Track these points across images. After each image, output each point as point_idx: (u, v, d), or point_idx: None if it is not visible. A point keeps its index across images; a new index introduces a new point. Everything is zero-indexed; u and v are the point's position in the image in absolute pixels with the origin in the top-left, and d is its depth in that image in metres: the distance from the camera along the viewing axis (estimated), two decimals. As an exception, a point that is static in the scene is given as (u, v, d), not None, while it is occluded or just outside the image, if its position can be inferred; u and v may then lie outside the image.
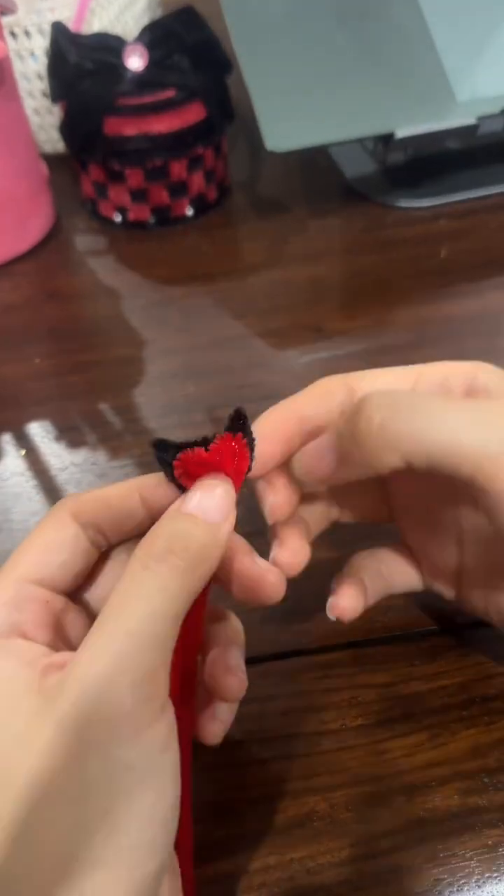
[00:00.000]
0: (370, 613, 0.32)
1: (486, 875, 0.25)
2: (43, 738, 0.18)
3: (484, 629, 0.29)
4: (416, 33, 0.55)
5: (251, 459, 0.23)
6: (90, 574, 0.24)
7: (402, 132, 0.53)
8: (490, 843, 0.26)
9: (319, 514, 0.29)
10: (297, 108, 0.53)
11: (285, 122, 0.52)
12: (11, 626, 0.21)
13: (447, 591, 0.29)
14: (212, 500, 0.21)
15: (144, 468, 0.40)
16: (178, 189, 0.56)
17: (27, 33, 0.59)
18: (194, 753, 0.23)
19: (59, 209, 0.60)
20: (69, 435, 0.43)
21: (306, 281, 0.53)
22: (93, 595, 0.24)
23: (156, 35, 0.54)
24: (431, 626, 0.32)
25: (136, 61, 0.52)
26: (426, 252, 0.54)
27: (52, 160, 0.62)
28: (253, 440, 0.23)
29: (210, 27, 0.55)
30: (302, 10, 0.54)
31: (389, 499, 0.30)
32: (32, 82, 0.62)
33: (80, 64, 0.53)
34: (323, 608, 0.29)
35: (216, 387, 0.44)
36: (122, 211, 0.58)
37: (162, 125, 0.53)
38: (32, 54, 0.60)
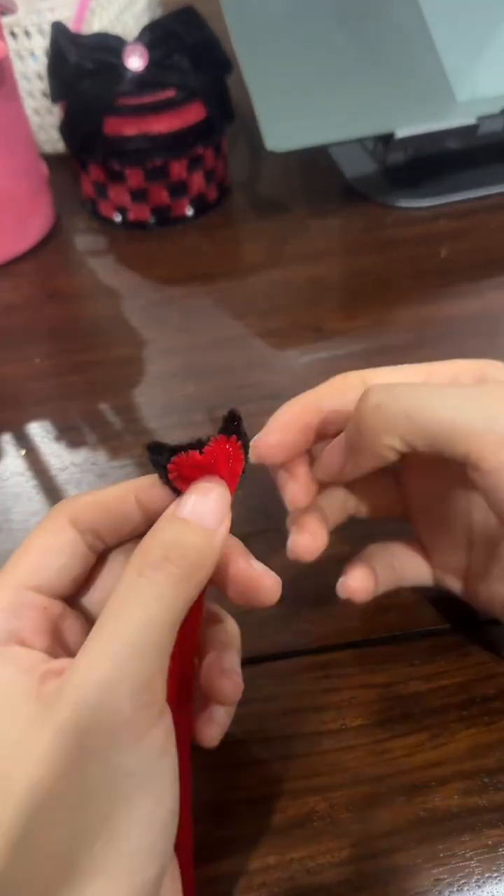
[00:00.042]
0: (370, 613, 0.32)
1: (486, 875, 0.25)
2: (42, 744, 0.18)
3: (484, 629, 0.29)
4: (416, 33, 0.55)
5: (246, 462, 0.23)
6: (87, 577, 0.24)
7: (402, 132, 0.53)
8: (490, 843, 0.26)
9: (337, 507, 0.30)
10: (297, 108, 0.53)
11: (285, 122, 0.52)
12: (9, 634, 0.21)
13: (455, 587, 0.30)
14: (207, 504, 0.21)
15: (144, 468, 0.40)
16: (178, 189, 0.56)
17: (27, 33, 0.59)
18: (193, 755, 0.23)
19: (59, 209, 0.60)
20: (69, 435, 0.43)
21: (306, 281, 0.53)
22: (90, 599, 0.24)
23: (156, 35, 0.54)
24: (431, 626, 0.32)
25: (136, 61, 0.53)
26: (426, 252, 0.54)
27: (52, 160, 0.62)
28: (247, 442, 0.23)
29: (210, 27, 0.55)
30: (302, 10, 0.54)
31: (403, 495, 0.30)
32: (32, 82, 0.62)
33: (80, 64, 0.53)
34: (324, 609, 0.29)
35: (216, 387, 0.44)
36: (122, 211, 0.58)
37: (162, 125, 0.53)
38: (32, 54, 0.60)
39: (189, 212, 0.58)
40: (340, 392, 0.27)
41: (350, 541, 0.32)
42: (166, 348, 0.48)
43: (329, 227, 0.58)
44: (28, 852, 0.17)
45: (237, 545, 0.24)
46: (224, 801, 0.27)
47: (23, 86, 0.60)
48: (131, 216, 0.58)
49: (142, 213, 0.57)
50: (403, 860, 0.25)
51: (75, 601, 0.24)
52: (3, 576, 0.22)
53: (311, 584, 0.32)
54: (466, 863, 0.25)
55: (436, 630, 0.32)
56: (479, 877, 0.25)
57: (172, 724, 0.20)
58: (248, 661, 0.26)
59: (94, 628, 0.19)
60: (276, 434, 0.26)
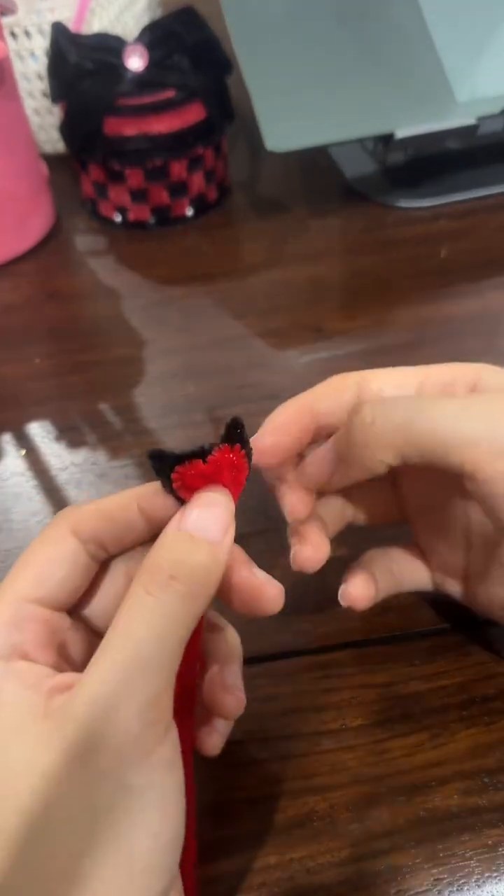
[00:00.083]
0: (370, 614, 0.32)
1: (486, 875, 0.25)
2: (48, 760, 0.18)
3: (484, 629, 0.29)
4: (416, 33, 0.55)
5: (249, 470, 0.23)
6: (88, 587, 0.24)
7: (402, 132, 0.53)
8: (490, 843, 0.26)
9: (335, 515, 0.29)
10: (297, 108, 0.53)
11: (285, 122, 0.52)
12: (12, 648, 0.21)
13: (455, 590, 0.30)
14: (211, 516, 0.21)
15: (144, 468, 0.40)
16: (178, 189, 0.56)
17: (27, 33, 0.59)
18: (193, 756, 0.23)
19: (59, 209, 0.60)
20: (69, 435, 0.43)
21: (306, 281, 0.53)
22: (92, 609, 0.24)
23: (156, 35, 0.54)
24: (431, 626, 0.32)
25: (136, 61, 0.53)
26: (426, 252, 0.54)
27: (52, 160, 0.62)
28: (250, 450, 0.23)
29: (210, 27, 0.55)
30: (302, 10, 0.54)
31: (401, 499, 0.30)
32: (32, 82, 0.62)
33: (80, 64, 0.53)
34: (324, 608, 0.29)
35: (216, 387, 0.44)
36: (122, 211, 0.58)
37: (162, 125, 0.53)
38: (32, 54, 0.60)
39: (189, 212, 0.58)
40: (336, 393, 0.27)
41: (348, 542, 0.32)
42: (166, 348, 0.48)
43: (329, 227, 0.58)
44: (34, 867, 0.17)
45: (240, 554, 0.24)
46: (224, 801, 0.27)
47: (23, 86, 0.60)
48: (131, 216, 0.58)
49: (142, 213, 0.57)
50: (403, 860, 0.25)
51: (77, 611, 0.24)
52: (5, 589, 0.22)
53: (311, 585, 0.32)
54: (466, 863, 0.25)
55: (436, 630, 0.32)
56: (478, 876, 0.25)
57: (178, 740, 0.20)
58: (248, 661, 0.26)
59: (101, 645, 0.19)
60: (271, 436, 0.26)
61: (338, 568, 0.30)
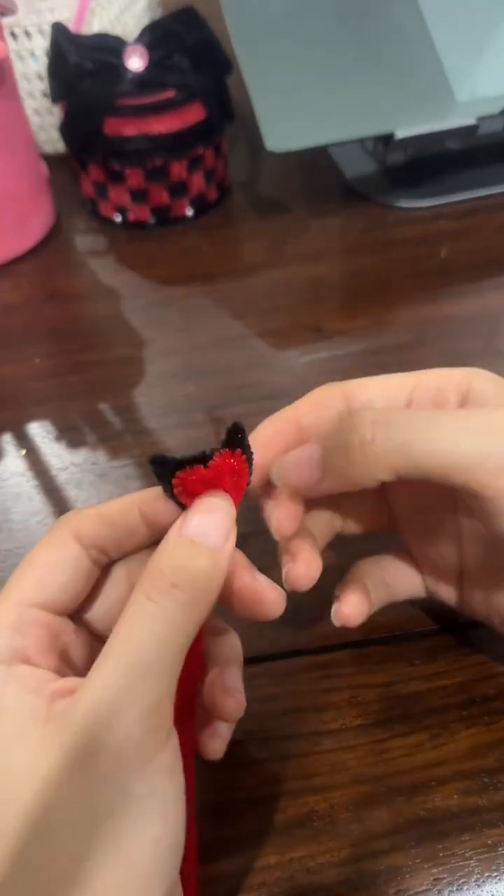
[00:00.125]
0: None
1: (486, 875, 0.25)
2: (49, 765, 0.18)
3: (484, 629, 0.29)
4: (416, 33, 0.55)
5: (250, 475, 0.23)
6: (90, 592, 0.24)
7: (402, 132, 0.53)
8: (490, 842, 0.26)
9: (324, 526, 0.29)
10: (297, 108, 0.53)
11: (285, 122, 0.52)
12: (15, 652, 0.21)
13: (449, 597, 0.29)
14: (212, 521, 0.21)
15: (144, 468, 0.40)
16: (178, 189, 0.56)
17: (27, 34, 0.59)
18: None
19: (59, 209, 0.60)
20: (69, 435, 0.43)
21: (306, 281, 0.53)
22: (93, 613, 0.24)
23: (156, 35, 0.54)
24: (431, 626, 0.32)
25: (136, 62, 0.53)
26: (426, 252, 0.54)
27: (52, 160, 0.62)
28: (251, 455, 0.23)
29: (210, 27, 0.55)
30: (302, 10, 0.54)
31: (390, 507, 0.30)
32: (32, 82, 0.62)
33: (80, 64, 0.53)
34: (323, 608, 0.29)
35: (216, 387, 0.44)
36: (122, 211, 0.58)
37: (162, 125, 0.53)
38: (32, 55, 0.60)
39: (189, 212, 0.58)
40: (320, 407, 0.26)
41: (347, 543, 0.32)
42: (166, 348, 0.48)
43: (329, 227, 0.58)
44: (34, 869, 0.17)
45: (241, 558, 0.24)
46: (224, 801, 0.27)
47: (23, 86, 0.60)
48: (131, 216, 0.58)
49: (142, 213, 0.57)
50: (403, 860, 0.25)
51: (79, 616, 0.24)
52: (7, 593, 0.22)
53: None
54: (466, 862, 0.25)
55: (436, 630, 0.32)
56: (478, 876, 0.25)
57: (179, 746, 0.20)
58: (248, 661, 0.26)
59: (103, 651, 0.19)
60: (255, 453, 0.25)
61: (339, 564, 0.30)
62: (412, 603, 0.32)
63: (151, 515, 0.23)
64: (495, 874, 0.25)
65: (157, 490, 0.23)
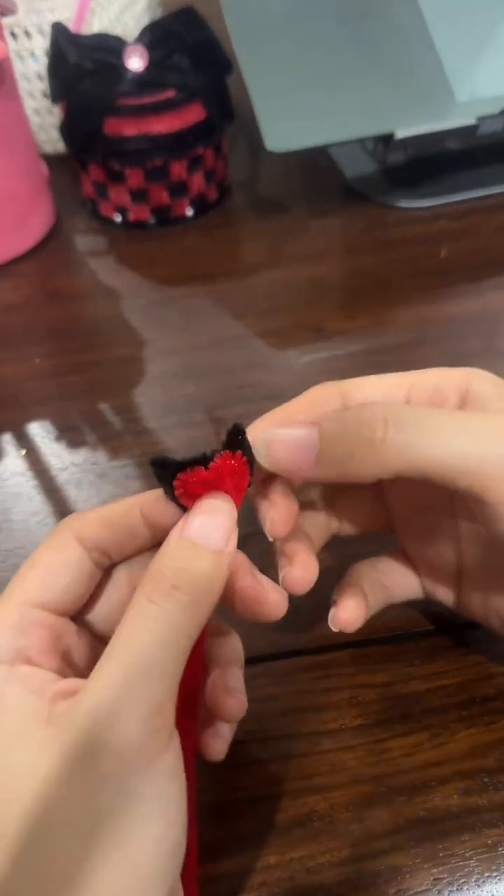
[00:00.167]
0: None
1: (486, 874, 0.25)
2: (50, 765, 0.18)
3: (483, 629, 0.29)
4: (416, 33, 0.55)
5: (251, 476, 0.23)
6: (93, 593, 0.24)
7: (402, 132, 0.53)
8: (490, 842, 0.26)
9: (320, 528, 0.29)
10: (297, 108, 0.53)
11: (285, 122, 0.52)
12: (17, 652, 0.21)
13: (447, 598, 0.29)
14: (213, 523, 0.21)
15: (144, 468, 0.40)
16: (178, 189, 0.56)
17: (27, 34, 0.59)
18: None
19: (59, 209, 0.60)
20: (69, 435, 0.43)
21: (306, 281, 0.53)
22: (94, 615, 0.24)
23: (156, 35, 0.54)
24: (431, 626, 0.32)
25: (136, 62, 0.53)
26: (426, 252, 0.54)
27: (52, 160, 0.62)
28: (252, 457, 0.23)
29: (210, 27, 0.55)
30: (302, 10, 0.54)
31: (388, 507, 0.30)
32: (32, 82, 0.62)
33: (80, 64, 0.53)
34: (323, 609, 0.29)
35: (216, 387, 0.44)
36: (122, 211, 0.58)
37: (162, 125, 0.53)
38: (32, 55, 0.60)
39: (189, 212, 0.58)
40: (315, 406, 0.25)
41: (344, 544, 0.32)
42: (166, 348, 0.48)
43: (329, 227, 0.58)
44: (34, 869, 0.17)
45: (243, 559, 0.24)
46: (224, 801, 0.27)
47: (23, 86, 0.60)
48: (131, 216, 0.58)
49: (142, 213, 0.57)
50: (403, 860, 0.25)
51: (81, 617, 0.24)
52: (9, 593, 0.22)
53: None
54: (466, 862, 0.25)
55: (435, 630, 0.32)
56: (478, 876, 0.25)
57: (181, 747, 0.20)
58: (248, 661, 0.26)
59: (105, 652, 0.19)
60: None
61: (339, 564, 0.30)
62: (412, 603, 0.32)
63: (153, 517, 0.23)
64: (495, 874, 0.25)
65: (158, 492, 0.23)
